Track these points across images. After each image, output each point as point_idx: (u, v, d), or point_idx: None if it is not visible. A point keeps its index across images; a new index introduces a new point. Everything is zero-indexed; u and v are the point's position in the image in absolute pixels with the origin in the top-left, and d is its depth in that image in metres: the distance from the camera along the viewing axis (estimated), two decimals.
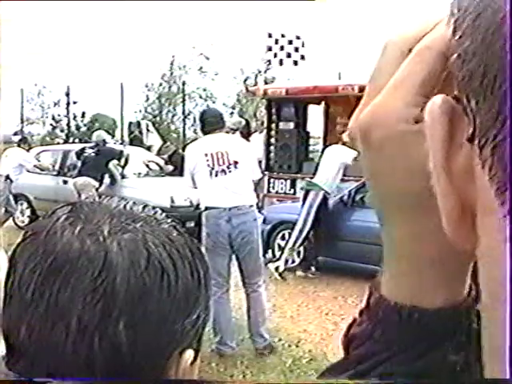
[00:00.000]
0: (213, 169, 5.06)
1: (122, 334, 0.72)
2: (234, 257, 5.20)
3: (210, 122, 5.28)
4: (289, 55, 12.05)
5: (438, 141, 0.32)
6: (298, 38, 12.08)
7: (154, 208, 0.82)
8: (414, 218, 0.49)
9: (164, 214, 0.81)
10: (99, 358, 0.72)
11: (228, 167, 5.08)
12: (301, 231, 7.63)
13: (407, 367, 0.51)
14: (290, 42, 12.05)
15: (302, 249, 7.83)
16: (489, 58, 0.29)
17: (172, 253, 0.76)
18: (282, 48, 12.02)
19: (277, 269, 7.53)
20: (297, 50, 12.13)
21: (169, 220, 0.81)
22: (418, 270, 0.51)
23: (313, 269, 7.84)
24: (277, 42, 12.01)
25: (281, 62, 12.08)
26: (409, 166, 0.46)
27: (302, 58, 12.24)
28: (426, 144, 0.43)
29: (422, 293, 0.52)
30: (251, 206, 5.18)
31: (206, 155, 5.07)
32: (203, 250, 4.89)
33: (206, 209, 5.17)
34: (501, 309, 0.29)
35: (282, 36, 12.02)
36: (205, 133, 5.36)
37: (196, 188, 5.32)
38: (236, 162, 5.09)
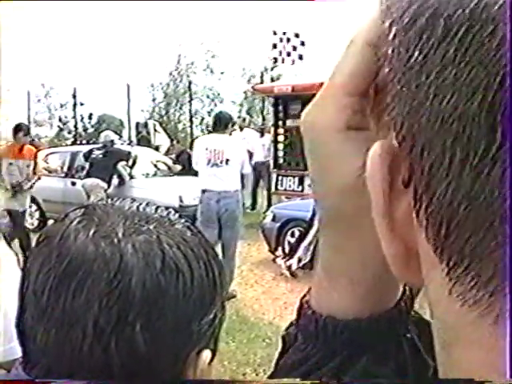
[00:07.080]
0: (210, 161, 6.53)
1: (138, 336, 0.72)
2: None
3: (218, 124, 6.69)
4: (288, 54, 12.08)
5: (379, 189, 0.31)
6: (297, 36, 12.12)
7: (167, 208, 0.81)
8: (337, 231, 0.49)
9: (177, 215, 0.81)
10: (116, 360, 0.72)
11: (221, 162, 6.53)
12: (318, 230, 7.50)
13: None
14: (289, 40, 12.09)
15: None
16: (417, 126, 0.27)
17: (187, 253, 0.76)
18: (285, 46, 12.06)
19: (289, 267, 7.45)
20: (295, 48, 12.17)
21: (182, 220, 0.80)
22: (335, 282, 0.51)
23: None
24: (281, 40, 12.04)
25: (283, 60, 12.13)
26: (332, 179, 0.46)
27: (300, 57, 12.32)
28: (352, 159, 0.44)
29: (338, 304, 0.51)
30: (236, 190, 6.58)
31: (207, 149, 6.56)
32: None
33: (202, 192, 6.57)
34: (454, 353, 0.29)
35: (284, 34, 12.05)
36: (213, 131, 6.81)
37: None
38: (228, 160, 6.53)
